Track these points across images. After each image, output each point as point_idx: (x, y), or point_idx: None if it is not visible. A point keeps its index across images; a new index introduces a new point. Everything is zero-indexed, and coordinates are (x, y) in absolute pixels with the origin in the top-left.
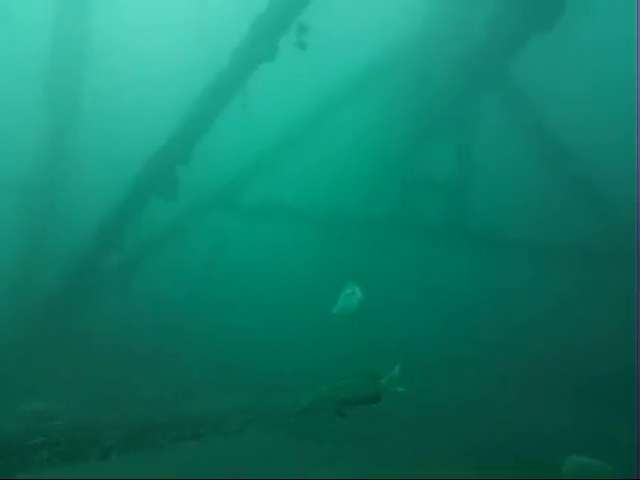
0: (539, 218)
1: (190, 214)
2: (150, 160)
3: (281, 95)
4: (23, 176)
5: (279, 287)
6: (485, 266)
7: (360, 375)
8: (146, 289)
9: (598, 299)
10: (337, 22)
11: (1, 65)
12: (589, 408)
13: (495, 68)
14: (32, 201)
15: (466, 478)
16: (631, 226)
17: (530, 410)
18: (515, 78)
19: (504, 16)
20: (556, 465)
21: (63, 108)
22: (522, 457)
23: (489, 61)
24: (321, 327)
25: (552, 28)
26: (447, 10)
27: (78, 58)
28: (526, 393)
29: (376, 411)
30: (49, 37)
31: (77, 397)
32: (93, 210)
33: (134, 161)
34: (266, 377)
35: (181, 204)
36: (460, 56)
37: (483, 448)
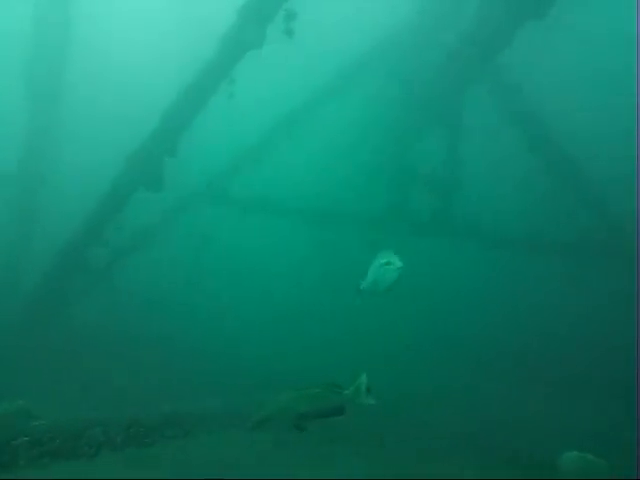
0: (537, 215)
1: (176, 208)
2: (134, 153)
3: (269, 84)
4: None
5: (268, 285)
6: (479, 262)
7: (323, 385)
8: (132, 287)
9: (598, 296)
10: (327, 8)
11: None
12: (588, 405)
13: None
14: (15, 198)
15: (463, 478)
16: (630, 223)
17: (527, 407)
18: (507, 69)
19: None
20: (553, 462)
21: (45, 100)
22: (519, 454)
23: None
24: (313, 324)
25: (544, 15)
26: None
27: (60, 45)
28: (523, 390)
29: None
30: (30, 26)
31: (61, 397)
32: (78, 207)
33: (119, 150)
34: (254, 377)
35: (166, 198)
36: (452, 44)
37: (480, 445)
